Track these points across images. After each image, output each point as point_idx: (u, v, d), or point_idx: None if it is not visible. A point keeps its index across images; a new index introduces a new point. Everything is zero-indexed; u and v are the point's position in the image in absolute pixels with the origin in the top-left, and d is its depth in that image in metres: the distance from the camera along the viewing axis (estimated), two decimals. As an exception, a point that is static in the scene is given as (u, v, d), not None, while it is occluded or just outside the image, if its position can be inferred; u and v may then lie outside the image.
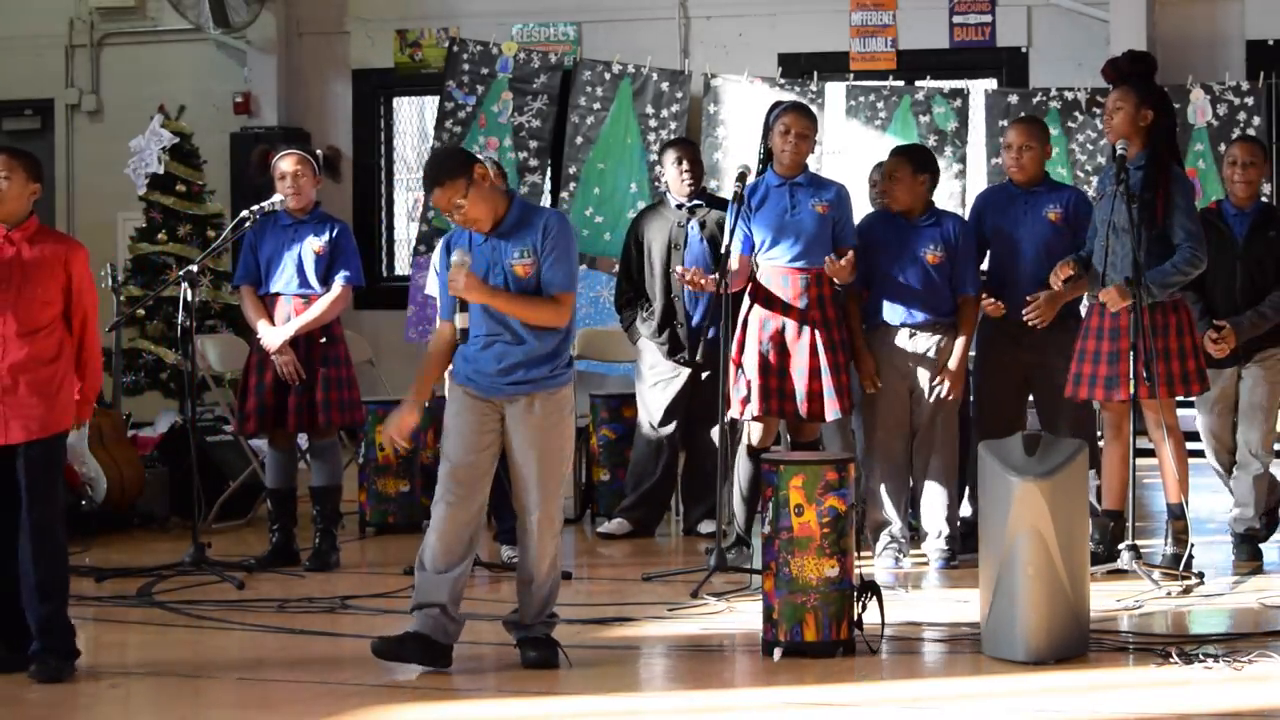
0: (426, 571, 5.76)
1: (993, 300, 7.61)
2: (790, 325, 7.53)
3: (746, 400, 7.52)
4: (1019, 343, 7.65)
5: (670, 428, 8.66)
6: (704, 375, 8.53)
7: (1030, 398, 7.85)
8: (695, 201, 8.60)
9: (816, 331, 7.51)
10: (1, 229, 5.85)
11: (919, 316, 7.65)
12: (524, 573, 5.86)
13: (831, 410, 7.51)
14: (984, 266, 7.91)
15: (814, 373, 7.51)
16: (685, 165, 8.58)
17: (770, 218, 7.56)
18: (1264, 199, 8.05)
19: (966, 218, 8.02)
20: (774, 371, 7.52)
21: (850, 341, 7.67)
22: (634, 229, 8.83)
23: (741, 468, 7.69)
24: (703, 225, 8.52)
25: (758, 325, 7.55)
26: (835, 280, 7.48)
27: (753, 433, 7.64)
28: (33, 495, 5.78)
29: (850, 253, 7.39)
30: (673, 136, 12.61)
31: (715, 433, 8.50)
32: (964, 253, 7.67)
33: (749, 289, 7.64)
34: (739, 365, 7.55)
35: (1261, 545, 7.80)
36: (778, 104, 7.79)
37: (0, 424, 5.79)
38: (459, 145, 12.12)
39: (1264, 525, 7.81)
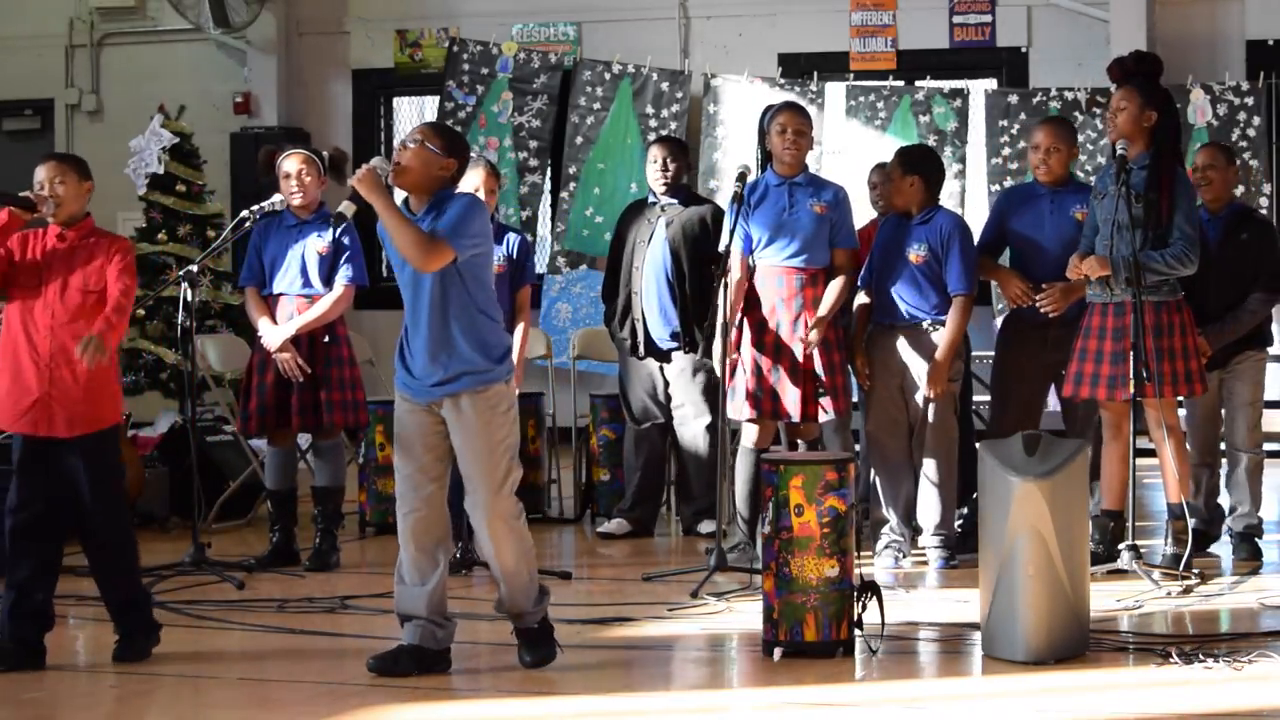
0: (405, 585, 5.75)
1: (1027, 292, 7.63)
2: (785, 325, 7.53)
3: (742, 400, 7.52)
4: (1047, 342, 7.63)
5: (649, 424, 8.69)
6: (663, 371, 8.61)
7: (1056, 399, 7.84)
8: (668, 200, 8.62)
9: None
10: (56, 227, 6.05)
11: (905, 315, 7.66)
12: (491, 568, 5.81)
13: (825, 411, 7.51)
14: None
15: (807, 374, 7.51)
16: (660, 163, 8.61)
17: (768, 216, 7.57)
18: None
19: (971, 216, 8.03)
20: (768, 372, 7.52)
21: (848, 340, 7.71)
22: (618, 223, 8.91)
23: (741, 470, 7.68)
24: (668, 224, 8.54)
25: (753, 326, 7.55)
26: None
27: (748, 434, 7.65)
28: (93, 489, 5.92)
29: (814, 333, 7.45)
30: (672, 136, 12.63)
31: (686, 432, 8.57)
32: (954, 251, 7.64)
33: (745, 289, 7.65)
34: (735, 365, 7.55)
35: (1260, 543, 7.84)
36: (770, 106, 7.82)
37: (44, 415, 5.92)
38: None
39: (1206, 520, 7.88)
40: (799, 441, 7.78)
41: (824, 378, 7.51)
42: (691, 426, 8.57)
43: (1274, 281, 7.84)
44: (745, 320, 7.59)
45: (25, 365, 5.94)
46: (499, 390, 5.67)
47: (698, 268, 8.43)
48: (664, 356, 8.60)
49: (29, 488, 5.92)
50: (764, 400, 7.52)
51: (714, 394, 8.39)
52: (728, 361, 7.51)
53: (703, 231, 8.48)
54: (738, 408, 7.57)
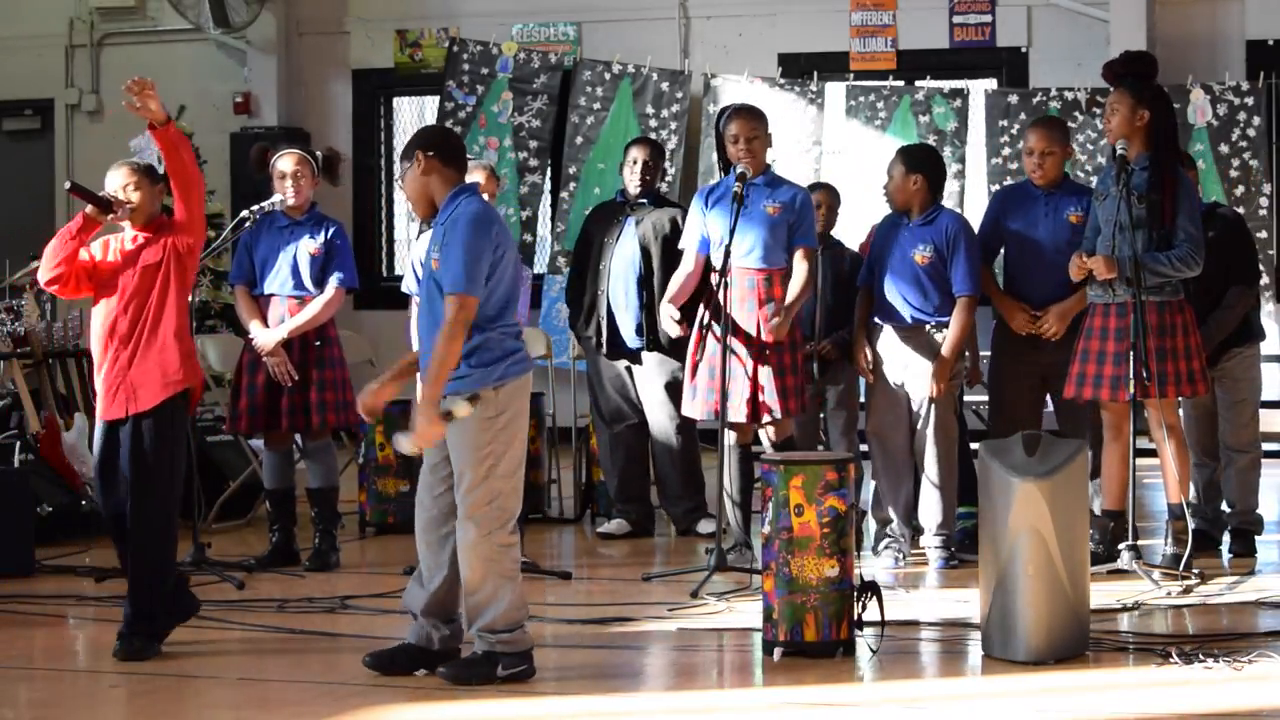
0: (417, 581, 5.77)
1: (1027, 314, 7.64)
2: (737, 325, 7.50)
3: (698, 400, 7.52)
4: (1037, 345, 7.63)
5: (622, 425, 8.70)
6: (631, 372, 8.65)
7: (1049, 399, 7.84)
8: (640, 200, 8.62)
9: (763, 331, 7.50)
10: (133, 232, 6.27)
11: (908, 317, 7.65)
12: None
13: (775, 411, 7.49)
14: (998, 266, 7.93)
15: (756, 374, 7.49)
16: (640, 164, 8.62)
17: (723, 217, 7.55)
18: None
19: (971, 216, 8.03)
20: (719, 373, 7.49)
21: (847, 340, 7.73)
22: (584, 225, 8.94)
23: (728, 470, 7.66)
24: (638, 224, 8.55)
25: (708, 326, 7.53)
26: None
27: (729, 432, 7.63)
28: (137, 482, 6.05)
29: (776, 318, 7.43)
30: (673, 137, 12.64)
31: (658, 431, 8.58)
32: (960, 252, 7.63)
33: (705, 290, 7.66)
34: (695, 366, 7.55)
35: (1257, 540, 7.85)
36: (723, 111, 7.81)
37: (122, 397, 6.09)
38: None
39: (1210, 520, 7.89)
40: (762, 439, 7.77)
41: (774, 379, 7.48)
42: (663, 426, 8.57)
43: (1248, 274, 7.86)
44: (701, 320, 7.58)
45: (110, 356, 6.14)
46: (484, 395, 5.59)
47: (666, 267, 8.44)
48: (634, 357, 8.61)
49: (103, 479, 6.16)
50: (715, 401, 7.50)
51: (678, 392, 8.41)
52: (690, 360, 7.54)
53: (673, 231, 8.49)
54: (692, 407, 7.60)
